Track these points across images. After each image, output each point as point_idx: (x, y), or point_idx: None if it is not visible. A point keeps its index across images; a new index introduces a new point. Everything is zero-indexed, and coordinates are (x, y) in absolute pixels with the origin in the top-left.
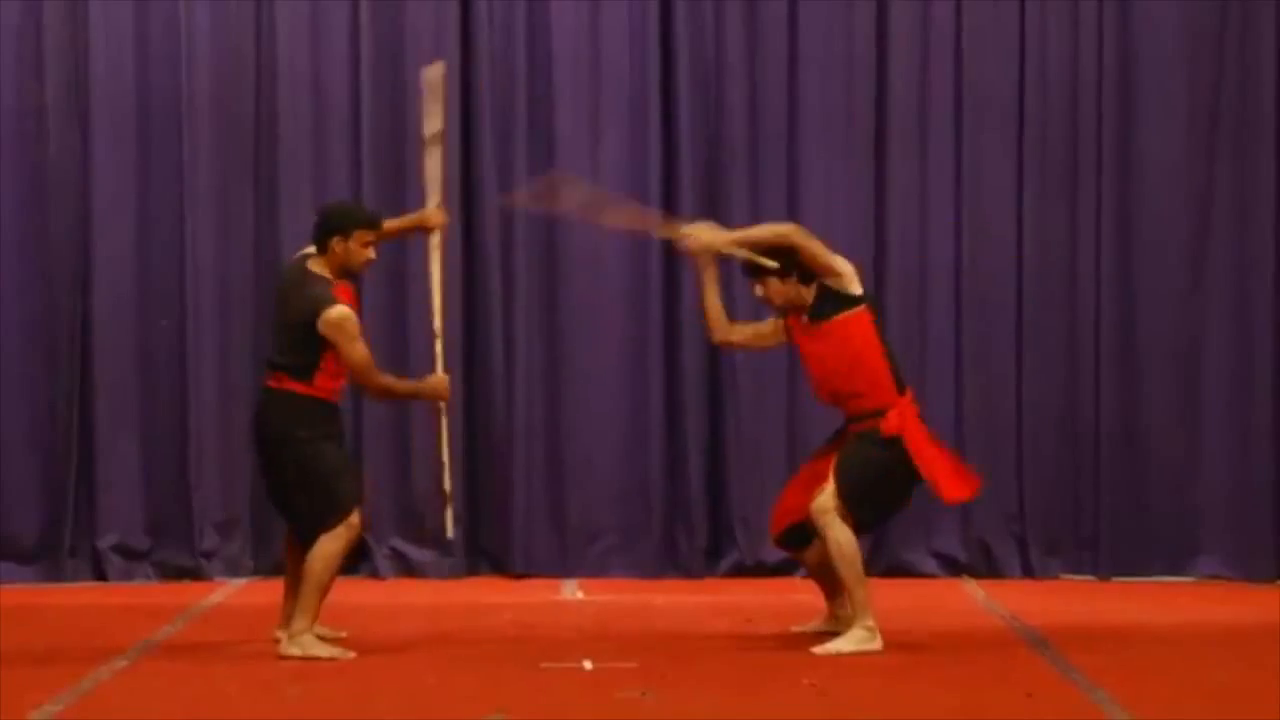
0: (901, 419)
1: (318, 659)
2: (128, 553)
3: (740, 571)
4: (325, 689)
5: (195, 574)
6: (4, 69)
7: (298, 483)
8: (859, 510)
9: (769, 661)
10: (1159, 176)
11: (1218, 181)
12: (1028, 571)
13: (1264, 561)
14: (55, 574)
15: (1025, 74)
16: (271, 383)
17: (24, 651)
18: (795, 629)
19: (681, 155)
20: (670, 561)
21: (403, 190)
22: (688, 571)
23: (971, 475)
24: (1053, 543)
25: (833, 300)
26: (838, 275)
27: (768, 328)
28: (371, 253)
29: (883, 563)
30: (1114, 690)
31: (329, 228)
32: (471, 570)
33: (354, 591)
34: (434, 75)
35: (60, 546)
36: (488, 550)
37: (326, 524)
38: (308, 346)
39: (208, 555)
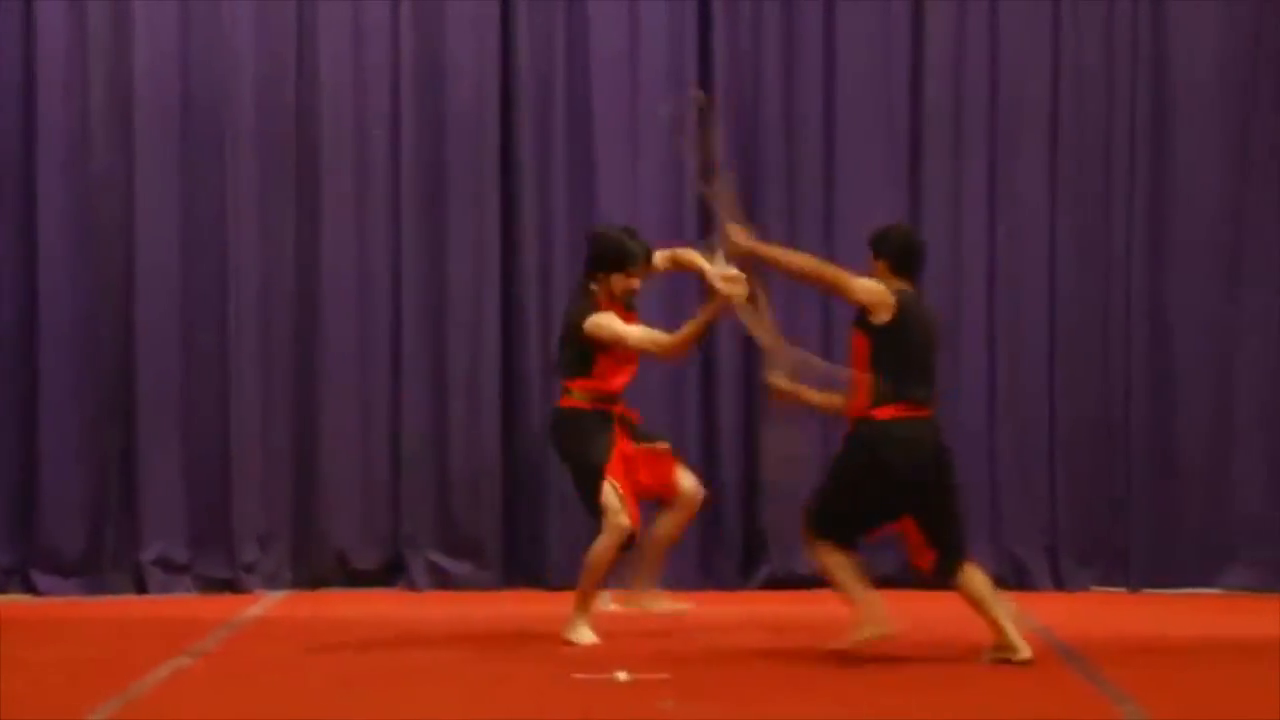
0: None
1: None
2: (168, 565)
3: (773, 584)
4: (361, 698)
5: (235, 587)
6: (50, 79)
7: None
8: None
9: (802, 673)
10: (1192, 185)
11: (1251, 191)
12: (1059, 584)
13: None
14: (97, 586)
15: (1059, 82)
16: None
17: (66, 663)
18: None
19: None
20: (704, 574)
21: (443, 194)
22: (721, 583)
23: None
24: (1084, 555)
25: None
26: None
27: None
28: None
29: (914, 575)
30: (1145, 702)
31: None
32: (507, 583)
33: (390, 603)
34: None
35: (102, 559)
36: (523, 562)
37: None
38: None
39: (248, 568)
